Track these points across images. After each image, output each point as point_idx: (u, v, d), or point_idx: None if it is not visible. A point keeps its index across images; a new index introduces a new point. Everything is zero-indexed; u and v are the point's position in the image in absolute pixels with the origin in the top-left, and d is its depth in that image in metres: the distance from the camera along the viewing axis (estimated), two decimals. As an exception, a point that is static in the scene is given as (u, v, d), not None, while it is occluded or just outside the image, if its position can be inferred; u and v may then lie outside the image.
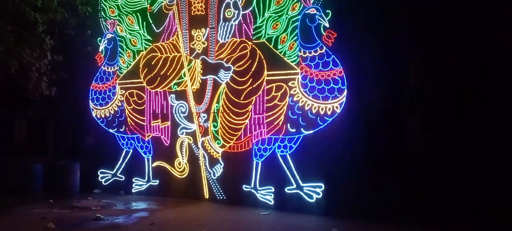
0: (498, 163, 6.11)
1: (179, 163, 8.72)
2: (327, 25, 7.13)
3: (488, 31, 6.21)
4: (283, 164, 7.60)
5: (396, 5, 6.86)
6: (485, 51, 6.30)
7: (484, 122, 6.27)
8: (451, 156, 6.45)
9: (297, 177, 7.47)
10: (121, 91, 9.30)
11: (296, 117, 7.40)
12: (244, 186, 8.00)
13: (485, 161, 6.17)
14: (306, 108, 7.30)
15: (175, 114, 8.71)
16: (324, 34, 7.16)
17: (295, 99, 7.42)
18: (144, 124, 9.06)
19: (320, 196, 7.24)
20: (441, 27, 6.58)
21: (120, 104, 9.32)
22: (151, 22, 9.02)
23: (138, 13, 9.17)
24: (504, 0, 6.11)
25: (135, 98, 9.14)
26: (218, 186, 8.32)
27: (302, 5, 7.41)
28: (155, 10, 8.99)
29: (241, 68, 7.96)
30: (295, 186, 7.48)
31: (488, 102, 6.29)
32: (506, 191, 6.03)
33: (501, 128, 6.16)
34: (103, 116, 9.52)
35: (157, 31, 8.95)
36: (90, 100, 9.64)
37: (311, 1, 7.33)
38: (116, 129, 9.41)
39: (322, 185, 7.23)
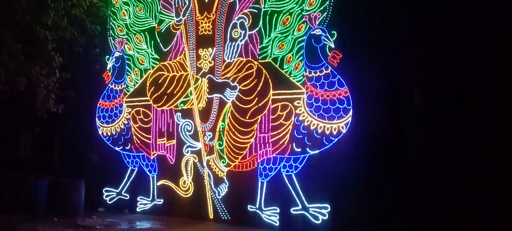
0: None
1: (184, 182, 8.67)
2: (332, 45, 7.16)
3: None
4: (288, 184, 7.52)
5: (399, 16, 6.89)
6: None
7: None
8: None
9: (303, 197, 7.38)
10: (128, 109, 9.35)
11: (301, 136, 7.36)
12: (249, 206, 7.92)
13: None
14: (312, 128, 7.26)
15: (181, 133, 8.72)
16: (330, 54, 7.18)
17: (300, 118, 7.40)
18: (150, 142, 9.06)
19: (326, 217, 7.13)
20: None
21: (126, 122, 9.36)
22: (158, 41, 9.12)
23: (146, 32, 9.29)
24: None
25: (142, 116, 9.18)
26: (223, 206, 8.24)
27: (308, 26, 7.46)
28: (163, 30, 9.10)
29: (247, 88, 7.98)
30: (300, 206, 7.38)
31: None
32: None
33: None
34: (109, 134, 9.55)
35: (164, 50, 9.04)
36: (96, 118, 9.69)
37: (317, 22, 7.38)
38: (121, 147, 9.42)
39: (328, 206, 7.13)
